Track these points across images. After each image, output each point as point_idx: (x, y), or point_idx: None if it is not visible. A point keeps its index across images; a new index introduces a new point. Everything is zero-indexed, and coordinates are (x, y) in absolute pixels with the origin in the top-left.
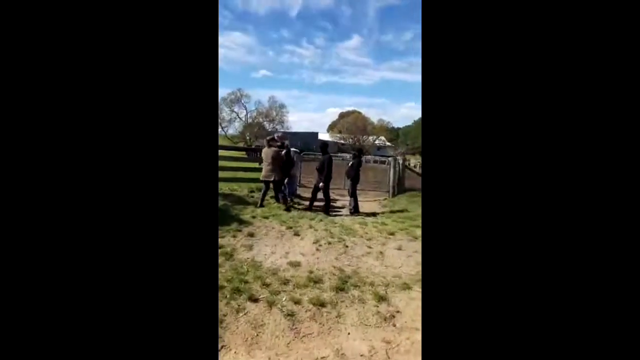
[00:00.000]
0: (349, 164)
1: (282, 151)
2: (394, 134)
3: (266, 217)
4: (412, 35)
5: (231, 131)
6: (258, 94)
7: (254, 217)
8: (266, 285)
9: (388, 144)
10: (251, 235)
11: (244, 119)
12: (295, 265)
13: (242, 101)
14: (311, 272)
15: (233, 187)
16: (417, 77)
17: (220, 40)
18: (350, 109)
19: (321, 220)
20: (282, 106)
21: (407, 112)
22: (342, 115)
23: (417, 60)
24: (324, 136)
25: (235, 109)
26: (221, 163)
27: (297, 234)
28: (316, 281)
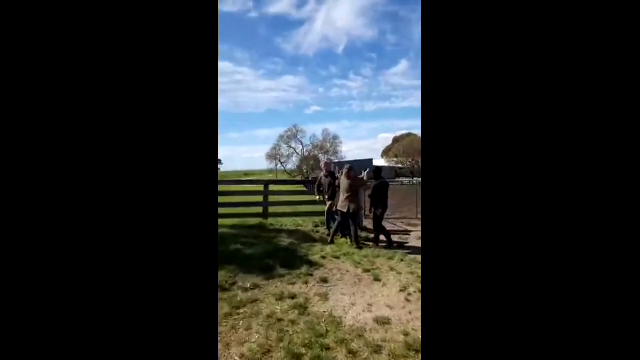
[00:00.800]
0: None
1: (360, 180)
2: None
3: (337, 257)
4: None
5: (289, 166)
6: (312, 129)
7: (323, 257)
8: (353, 354)
9: None
10: (324, 280)
11: (300, 153)
12: (384, 322)
13: (298, 137)
14: (406, 333)
15: (298, 223)
16: None
17: (274, 84)
18: (405, 132)
19: (402, 260)
20: (335, 137)
21: None
22: (397, 140)
23: None
24: (379, 162)
25: (292, 145)
26: (283, 198)
27: (377, 279)
28: (417, 349)
